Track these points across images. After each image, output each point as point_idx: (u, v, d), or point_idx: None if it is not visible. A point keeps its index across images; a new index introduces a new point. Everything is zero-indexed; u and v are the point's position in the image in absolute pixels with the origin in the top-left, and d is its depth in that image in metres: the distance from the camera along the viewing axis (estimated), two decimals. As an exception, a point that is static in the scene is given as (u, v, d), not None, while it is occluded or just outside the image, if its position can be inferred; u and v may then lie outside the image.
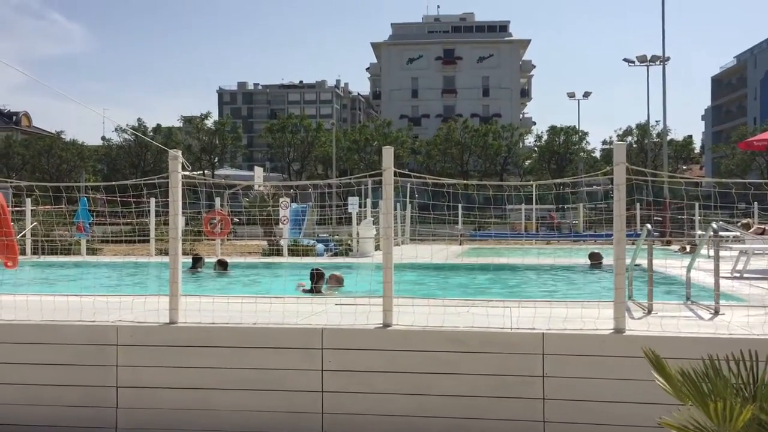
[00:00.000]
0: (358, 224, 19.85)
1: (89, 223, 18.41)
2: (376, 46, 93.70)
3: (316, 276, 10.51)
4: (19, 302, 6.51)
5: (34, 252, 17.46)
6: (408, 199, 23.48)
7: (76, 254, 18.10)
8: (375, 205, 21.27)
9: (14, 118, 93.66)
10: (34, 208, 18.49)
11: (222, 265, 13.91)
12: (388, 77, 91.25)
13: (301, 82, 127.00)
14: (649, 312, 6.51)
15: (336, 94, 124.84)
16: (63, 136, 73.23)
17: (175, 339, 5.78)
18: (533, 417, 5.33)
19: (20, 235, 16.40)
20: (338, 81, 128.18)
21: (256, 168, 69.90)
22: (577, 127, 68.06)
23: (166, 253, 6.18)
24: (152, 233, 18.16)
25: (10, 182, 8.79)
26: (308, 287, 10.54)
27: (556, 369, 5.33)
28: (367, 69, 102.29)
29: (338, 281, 11.02)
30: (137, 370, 5.78)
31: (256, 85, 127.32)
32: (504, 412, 5.36)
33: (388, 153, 5.90)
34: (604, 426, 5.24)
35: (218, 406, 5.67)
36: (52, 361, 5.88)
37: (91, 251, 19.11)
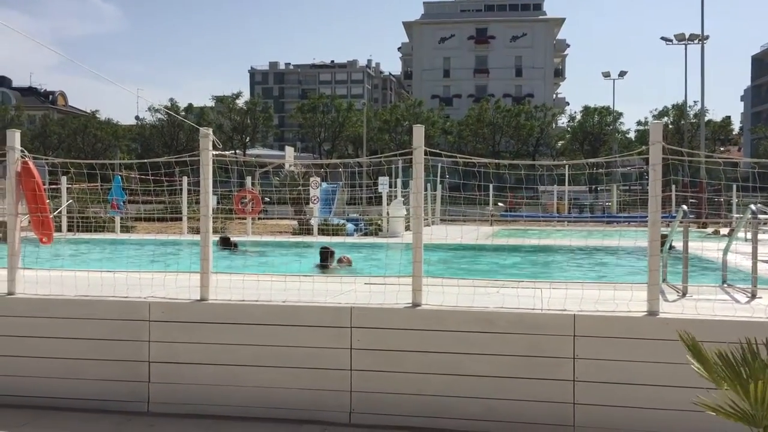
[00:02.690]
0: (388, 204, 19.83)
1: (123, 201, 18.67)
2: (407, 26, 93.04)
3: (326, 254, 10.83)
4: (54, 277, 6.62)
5: (69, 229, 17.77)
6: (439, 179, 23.39)
7: (110, 231, 18.39)
8: (405, 184, 21.22)
9: (50, 97, 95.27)
10: (70, 185, 18.80)
11: (225, 242, 13.66)
12: (420, 57, 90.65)
13: (332, 61, 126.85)
14: (684, 294, 6.39)
15: (367, 73, 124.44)
16: (98, 116, 74.28)
17: (206, 316, 5.83)
18: (563, 399, 5.28)
19: (56, 212, 16.70)
20: (369, 61, 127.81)
21: (287, 148, 70.31)
22: (611, 107, 67.10)
23: (198, 231, 6.22)
24: (185, 211, 18.35)
25: (47, 159, 8.94)
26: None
27: (587, 351, 5.26)
28: (399, 48, 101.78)
29: (348, 263, 11.24)
30: (169, 345, 5.84)
31: (287, 64, 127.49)
32: (533, 394, 5.31)
33: (418, 132, 5.84)
34: (635, 409, 5.17)
35: (247, 383, 5.71)
36: (85, 336, 5.97)
37: (125, 229, 19.40)
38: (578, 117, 69.13)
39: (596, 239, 14.77)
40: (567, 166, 23.79)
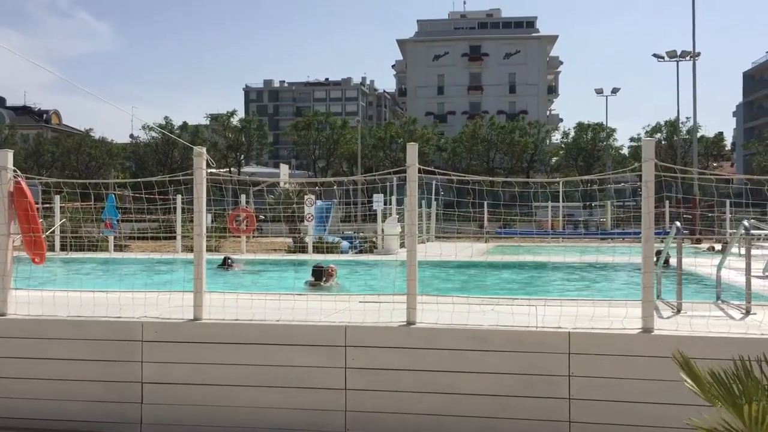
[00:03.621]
0: (382, 221, 19.83)
1: (117, 220, 18.62)
2: (401, 43, 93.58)
3: (317, 272, 10.94)
4: (46, 298, 6.58)
5: (63, 248, 17.69)
6: (433, 197, 23.41)
7: (104, 251, 18.32)
8: (400, 202, 21.22)
9: (44, 116, 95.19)
10: (63, 204, 18.75)
11: (226, 264, 14.15)
12: (414, 74, 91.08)
13: (326, 79, 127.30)
14: (679, 311, 6.39)
15: (361, 91, 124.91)
16: (92, 134, 74.18)
17: (200, 335, 5.79)
18: (559, 417, 5.25)
19: (49, 231, 16.64)
20: (364, 78, 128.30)
21: (281, 165, 70.26)
22: (604, 123, 67.40)
23: (192, 250, 6.20)
24: (179, 230, 18.32)
25: (39, 179, 8.92)
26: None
27: (582, 368, 5.25)
28: (393, 66, 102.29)
29: (332, 273, 11.33)
30: (162, 366, 5.80)
31: (282, 82, 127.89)
32: (529, 412, 5.29)
33: (412, 149, 5.86)
34: (630, 426, 5.15)
35: (242, 403, 5.67)
36: (78, 357, 5.92)
37: (119, 248, 19.34)
38: (572, 133, 69.41)
39: (590, 255, 14.78)
40: (561, 183, 23.86)
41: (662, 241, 8.68)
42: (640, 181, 5.55)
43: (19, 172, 6.46)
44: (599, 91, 61.37)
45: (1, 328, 6.08)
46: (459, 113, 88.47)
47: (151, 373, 5.80)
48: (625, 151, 70.23)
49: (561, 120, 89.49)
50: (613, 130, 68.29)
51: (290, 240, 21.78)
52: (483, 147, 66.78)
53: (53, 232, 17.31)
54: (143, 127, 69.32)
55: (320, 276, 11.15)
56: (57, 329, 6.00)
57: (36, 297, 6.73)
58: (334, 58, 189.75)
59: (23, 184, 6.48)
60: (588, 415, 5.22)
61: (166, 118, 70.70)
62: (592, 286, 12.08)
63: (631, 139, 69.62)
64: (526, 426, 5.28)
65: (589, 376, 5.24)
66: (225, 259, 14.40)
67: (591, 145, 67.22)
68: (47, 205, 18.58)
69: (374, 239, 20.64)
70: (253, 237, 21.34)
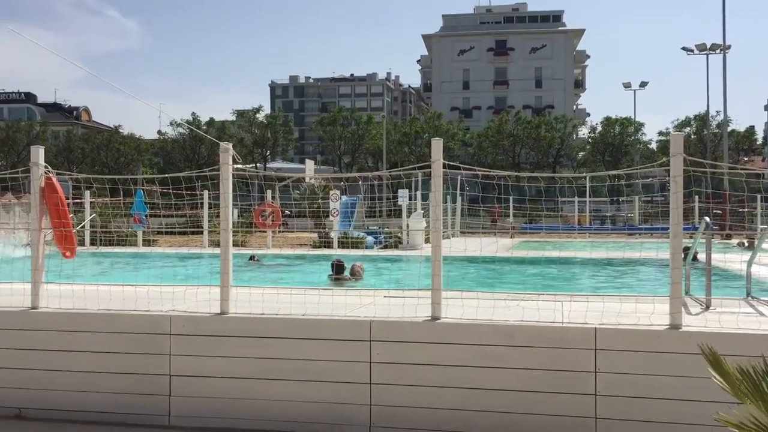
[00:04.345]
0: (407, 217, 19.83)
1: (145, 215, 18.85)
2: (427, 38, 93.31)
3: (337, 266, 11.15)
4: (77, 291, 6.68)
5: (93, 243, 17.96)
6: (458, 192, 23.34)
7: (133, 245, 18.56)
8: (425, 197, 21.19)
9: (74, 112, 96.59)
10: (93, 200, 19.02)
11: (253, 258, 14.56)
12: (439, 69, 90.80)
13: (352, 75, 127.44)
14: (708, 307, 6.32)
15: (387, 86, 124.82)
16: (121, 130, 75.12)
17: (226, 329, 5.85)
18: (585, 413, 5.22)
19: (79, 226, 16.89)
20: (389, 74, 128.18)
21: (307, 161, 70.51)
22: (632, 118, 66.62)
23: (218, 245, 6.26)
24: (205, 225, 18.48)
25: (70, 174, 9.07)
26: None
27: (609, 365, 5.21)
28: (418, 61, 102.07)
29: (359, 271, 11.48)
30: (189, 359, 5.88)
31: (307, 78, 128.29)
32: (555, 408, 5.26)
33: (437, 145, 5.85)
34: (658, 423, 5.11)
35: (268, 396, 5.72)
36: (108, 349, 6.02)
37: (147, 243, 19.57)
38: (599, 128, 68.74)
39: (617, 251, 14.64)
40: (587, 178, 23.63)
41: (691, 237, 8.57)
42: (669, 176, 5.48)
43: (50, 168, 6.57)
44: (627, 85, 60.64)
45: (33, 321, 6.21)
46: (484, 108, 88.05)
47: (178, 366, 5.88)
48: (653, 146, 69.39)
49: (588, 115, 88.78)
50: (641, 125, 67.57)
51: (315, 235, 21.87)
52: (509, 142, 66.43)
53: (83, 227, 17.57)
54: (171, 123, 70.06)
55: (340, 270, 11.29)
56: (87, 322, 6.11)
57: (67, 291, 6.84)
58: (359, 53, 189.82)
59: (54, 179, 6.59)
60: (615, 412, 5.18)
61: (193, 114, 71.43)
62: (619, 283, 11.97)
63: (660, 134, 68.83)
64: (550, 422, 5.26)
65: (616, 373, 5.20)
66: (251, 256, 14.59)
67: (618, 140, 66.50)
68: (77, 201, 18.87)
69: (399, 234, 20.65)
70: (279, 232, 21.47)
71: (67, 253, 6.79)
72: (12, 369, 6.16)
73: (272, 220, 18.03)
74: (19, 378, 6.13)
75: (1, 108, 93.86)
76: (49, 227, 6.62)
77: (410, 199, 20.88)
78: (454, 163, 6.26)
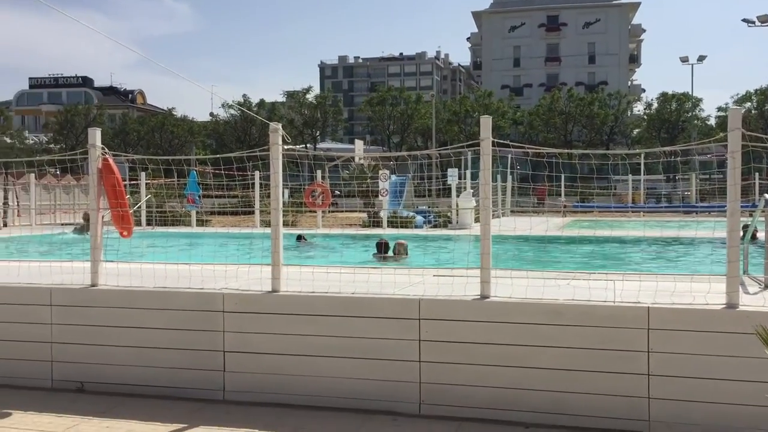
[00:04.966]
0: (457, 196, 19.75)
1: (198, 196, 19.23)
2: (476, 15, 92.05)
3: (383, 246, 11.35)
4: (134, 270, 6.89)
5: (148, 223, 18.41)
6: (508, 170, 23.12)
7: (187, 225, 18.96)
8: (474, 176, 21.05)
9: (130, 96, 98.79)
10: (148, 181, 19.48)
11: (301, 239, 14.85)
12: (490, 46, 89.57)
13: (401, 54, 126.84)
14: (766, 287, 6.14)
15: (436, 65, 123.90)
16: (174, 113, 76.46)
17: (277, 307, 5.95)
18: (637, 393, 5.15)
19: (135, 207, 17.33)
20: (438, 52, 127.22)
21: (356, 141, 70.69)
22: (690, 93, 64.68)
23: (270, 225, 6.35)
24: (257, 205, 18.75)
25: (125, 155, 9.31)
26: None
27: (662, 344, 5.12)
28: (468, 39, 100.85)
29: (403, 248, 11.65)
30: (242, 335, 6.00)
31: (356, 58, 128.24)
32: (606, 387, 5.21)
33: (486, 123, 5.80)
34: (711, 404, 5.01)
35: (318, 373, 5.81)
36: (164, 326, 6.19)
37: (201, 222, 19.97)
38: (655, 104, 66.95)
39: (672, 229, 14.31)
40: (642, 155, 23.10)
41: (750, 215, 8.32)
42: (726, 152, 5.32)
43: (106, 150, 6.75)
44: (684, 60, 58.92)
45: (92, 298, 6.42)
46: (536, 86, 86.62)
47: (232, 342, 6.02)
48: (711, 122, 67.32)
49: (643, 90, 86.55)
50: (699, 100, 65.55)
51: (365, 215, 21.98)
52: (560, 120, 65.29)
53: (139, 207, 18.03)
54: (222, 105, 71.02)
55: (384, 249, 11.58)
56: (144, 299, 6.29)
57: (124, 269, 7.05)
58: (408, 32, 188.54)
59: (111, 161, 6.76)
60: (668, 392, 5.10)
61: (244, 95, 72.15)
62: (673, 261, 11.72)
63: (719, 109, 66.67)
64: (603, 401, 5.21)
65: (670, 352, 5.11)
66: (299, 236, 14.80)
67: (675, 116, 64.70)
68: (133, 182, 19.35)
69: (448, 214, 20.58)
70: (329, 212, 21.64)
71: (124, 233, 6.98)
72: (74, 344, 6.39)
73: (322, 200, 18.19)
74: (81, 353, 6.37)
75: (60, 92, 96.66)
76: (106, 207, 6.81)
77: (459, 179, 20.77)
78: (504, 141, 6.19)
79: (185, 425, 5.34)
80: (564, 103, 65.57)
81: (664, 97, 65.74)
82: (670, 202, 32.66)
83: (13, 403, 5.91)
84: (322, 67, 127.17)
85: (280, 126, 6.27)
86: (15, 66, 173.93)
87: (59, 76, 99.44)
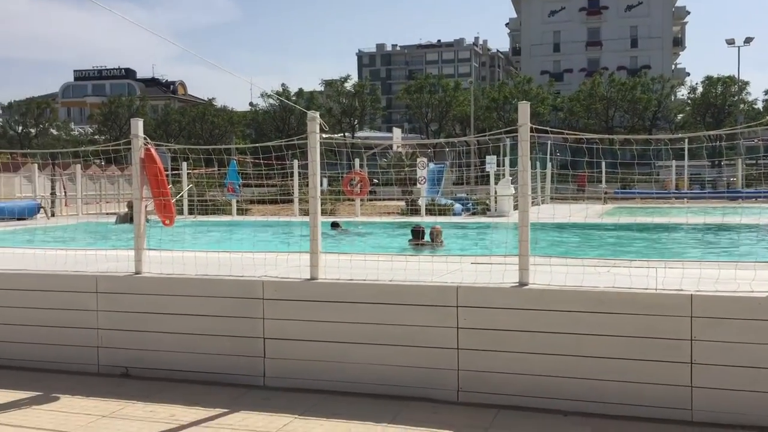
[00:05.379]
0: (495, 183, 19.61)
1: (238, 185, 19.45)
2: (515, 0, 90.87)
3: (417, 232, 11.49)
4: (176, 258, 7.01)
5: (190, 212, 18.70)
6: (548, 157, 22.86)
7: (227, 214, 19.21)
8: (513, 163, 20.87)
9: (171, 87, 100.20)
10: (190, 171, 19.77)
11: (336, 226, 14.83)
12: (529, 32, 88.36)
13: (438, 41, 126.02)
14: (814, 274, 5.97)
15: (474, 52, 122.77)
16: (214, 103, 77.29)
17: (316, 294, 6.00)
18: (680, 381, 5.08)
19: (178, 196, 17.62)
20: (476, 38, 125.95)
21: (394, 129, 70.59)
22: (736, 76, 62.95)
23: (308, 213, 6.40)
24: (296, 193, 18.90)
25: (167, 145, 9.48)
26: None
27: (705, 332, 5.03)
28: (507, 24, 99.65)
29: (438, 233, 11.79)
30: (282, 322, 6.07)
31: (394, 46, 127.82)
32: (647, 376, 5.14)
33: (524, 108, 5.75)
34: (756, 393, 4.91)
35: (356, 359, 5.85)
36: (205, 313, 6.30)
37: (241, 211, 20.21)
38: (700, 88, 65.34)
39: (716, 216, 14.00)
40: (686, 140, 22.60)
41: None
42: (773, 135, 5.18)
43: (149, 140, 6.87)
44: (730, 42, 57.38)
45: (136, 285, 6.56)
46: (576, 71, 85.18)
47: (272, 329, 6.09)
48: (759, 105, 65.46)
49: (688, 74, 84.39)
50: (746, 84, 63.64)
51: (403, 203, 21.98)
52: (602, 105, 64.16)
53: (181, 196, 18.32)
54: (261, 95, 71.52)
55: (420, 236, 11.73)
56: (186, 287, 6.40)
57: (167, 257, 7.18)
58: (446, 19, 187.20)
59: (153, 150, 6.88)
60: (712, 381, 5.01)
61: (282, 85, 72.52)
62: (718, 249, 11.47)
63: (766, 93, 64.83)
64: (644, 390, 5.15)
65: (714, 341, 5.02)
66: (333, 223, 14.89)
67: (721, 101, 63.03)
68: (175, 172, 19.66)
69: (487, 201, 20.47)
70: (367, 200, 21.71)
71: (167, 221, 7.10)
72: (119, 330, 6.55)
73: (360, 188, 18.24)
74: (126, 339, 6.52)
75: (104, 84, 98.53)
76: (149, 196, 6.94)
77: (498, 166, 20.62)
78: (542, 127, 6.12)
79: (226, 410, 5.44)
80: (605, 88, 64.42)
81: (710, 81, 64.11)
82: (715, 188, 31.94)
83: (60, 387, 6.09)
84: (360, 55, 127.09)
85: (317, 114, 6.30)
86: (61, 60, 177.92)
87: (103, 68, 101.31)
